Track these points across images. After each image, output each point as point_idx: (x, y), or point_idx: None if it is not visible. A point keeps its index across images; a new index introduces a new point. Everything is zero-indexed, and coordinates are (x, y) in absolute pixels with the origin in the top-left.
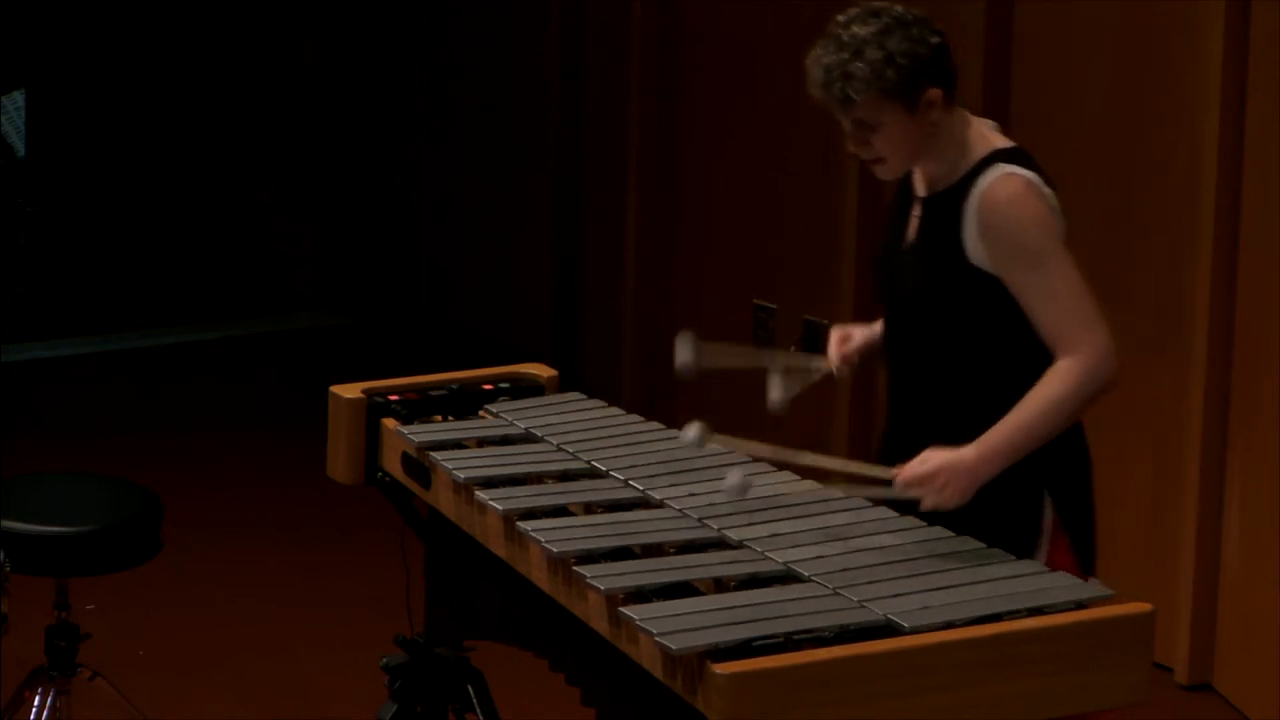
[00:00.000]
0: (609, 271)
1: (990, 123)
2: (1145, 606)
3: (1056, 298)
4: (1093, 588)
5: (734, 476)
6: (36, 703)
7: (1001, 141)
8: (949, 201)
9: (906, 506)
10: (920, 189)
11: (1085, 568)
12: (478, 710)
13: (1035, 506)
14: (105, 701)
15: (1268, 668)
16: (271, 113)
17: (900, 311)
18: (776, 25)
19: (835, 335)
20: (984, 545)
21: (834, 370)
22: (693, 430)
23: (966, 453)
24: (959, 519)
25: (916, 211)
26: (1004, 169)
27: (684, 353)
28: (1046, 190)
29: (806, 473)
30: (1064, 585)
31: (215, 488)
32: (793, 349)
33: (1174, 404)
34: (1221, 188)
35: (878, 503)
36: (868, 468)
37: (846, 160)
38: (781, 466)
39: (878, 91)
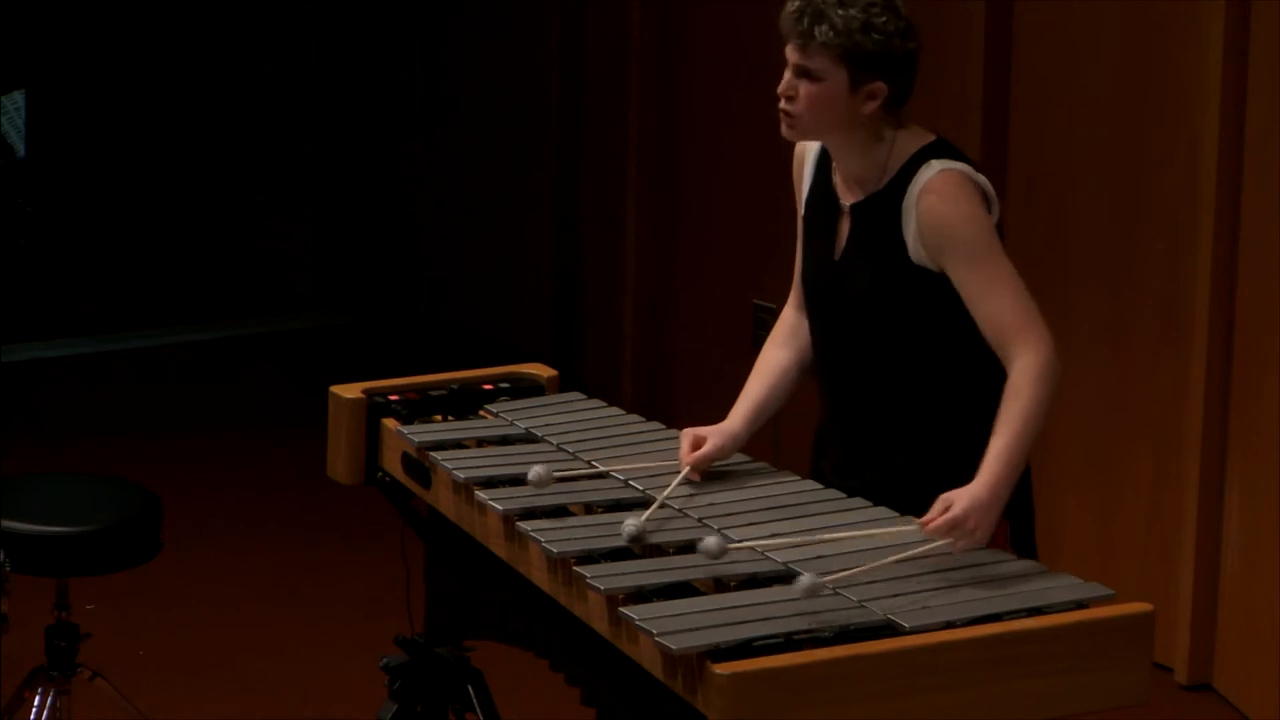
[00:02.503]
0: (609, 271)
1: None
2: (1145, 606)
3: (1000, 291)
4: (1093, 588)
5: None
6: (36, 703)
7: (923, 136)
8: (883, 204)
9: (910, 504)
10: (845, 197)
11: (1025, 552)
12: (478, 710)
13: None
14: (105, 701)
15: (1268, 668)
16: (271, 113)
17: (839, 321)
18: (776, 25)
19: (686, 440)
20: (984, 545)
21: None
22: (712, 541)
23: (979, 489)
24: (915, 509)
25: (846, 220)
26: (937, 165)
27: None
28: (980, 179)
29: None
30: (1064, 585)
31: (215, 488)
32: None
33: (1174, 404)
34: (1221, 187)
35: (877, 503)
36: (890, 528)
37: None
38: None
39: (839, 47)
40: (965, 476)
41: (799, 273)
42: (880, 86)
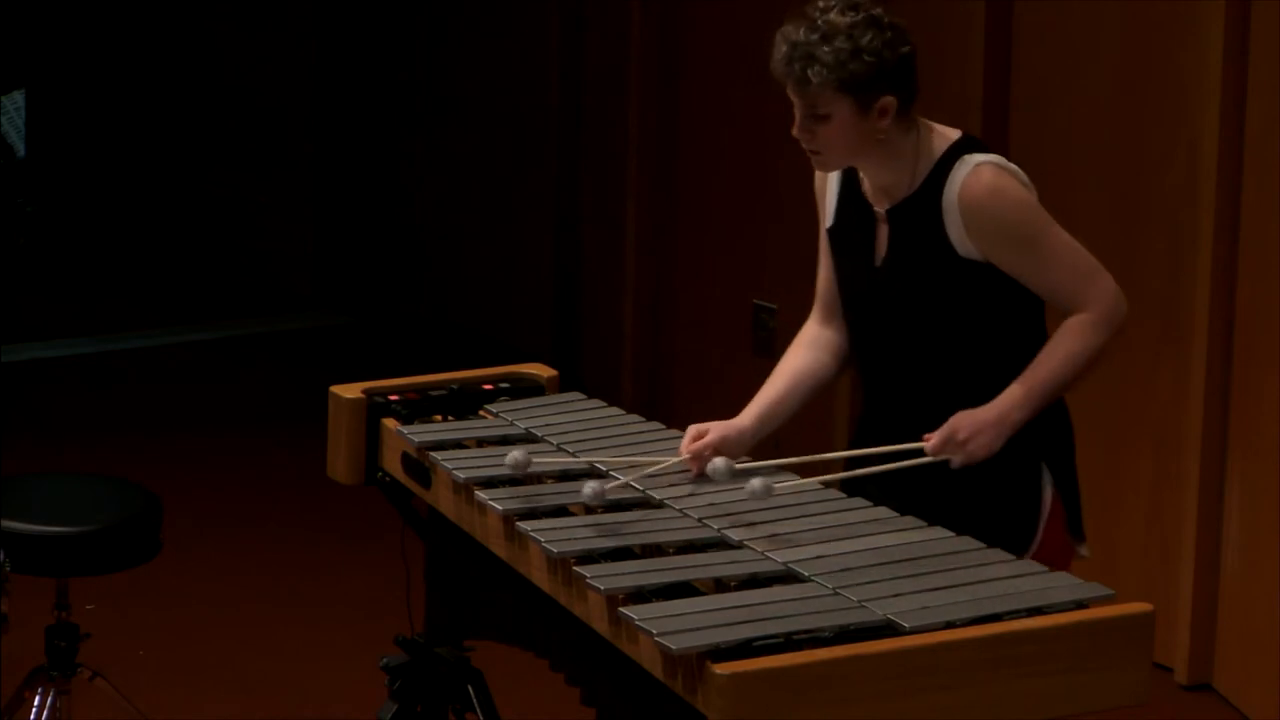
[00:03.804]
0: (609, 271)
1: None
2: (1145, 606)
3: (1055, 266)
4: (1093, 588)
5: (756, 481)
6: (36, 703)
7: (949, 132)
8: (919, 206)
9: (910, 504)
10: (879, 204)
11: (1076, 533)
12: (478, 710)
13: (1035, 479)
14: (105, 701)
15: (1268, 668)
16: (271, 113)
17: (887, 325)
18: (777, 26)
19: (690, 432)
20: (984, 545)
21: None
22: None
23: (984, 410)
24: (965, 496)
25: (883, 227)
26: (969, 160)
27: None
28: (1013, 166)
29: (837, 469)
30: (1064, 585)
31: (215, 488)
32: None
33: (1174, 404)
34: (1221, 187)
35: (877, 503)
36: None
37: None
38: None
39: (835, 81)
40: (1009, 452)
41: (825, 287)
42: (889, 100)
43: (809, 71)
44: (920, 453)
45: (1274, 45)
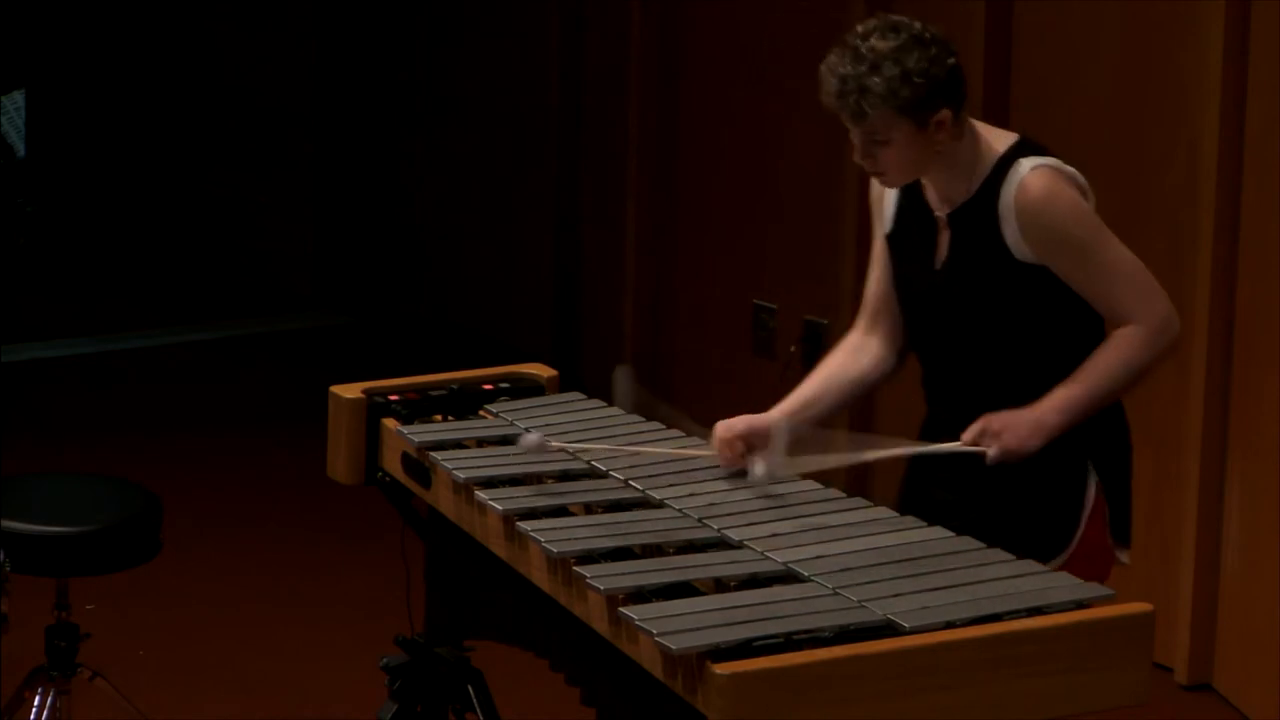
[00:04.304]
0: (609, 271)
1: (987, 125)
2: (1145, 606)
3: (1110, 277)
4: (1093, 588)
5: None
6: (36, 703)
7: (1005, 136)
8: (978, 209)
9: (958, 495)
10: (939, 208)
11: (1120, 538)
12: (478, 710)
13: (1080, 478)
14: (105, 701)
15: (1268, 668)
16: (271, 113)
17: (946, 328)
18: (777, 25)
19: (719, 427)
20: (984, 545)
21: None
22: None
23: (1027, 409)
24: (1005, 489)
25: (944, 231)
26: (1027, 163)
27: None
28: (1069, 169)
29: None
30: (1064, 585)
31: (215, 488)
32: (793, 349)
33: (1174, 404)
34: (1221, 187)
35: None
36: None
37: (847, 160)
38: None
39: (891, 108)
40: (1055, 449)
41: (874, 294)
42: (945, 114)
43: (864, 104)
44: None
45: (1274, 45)
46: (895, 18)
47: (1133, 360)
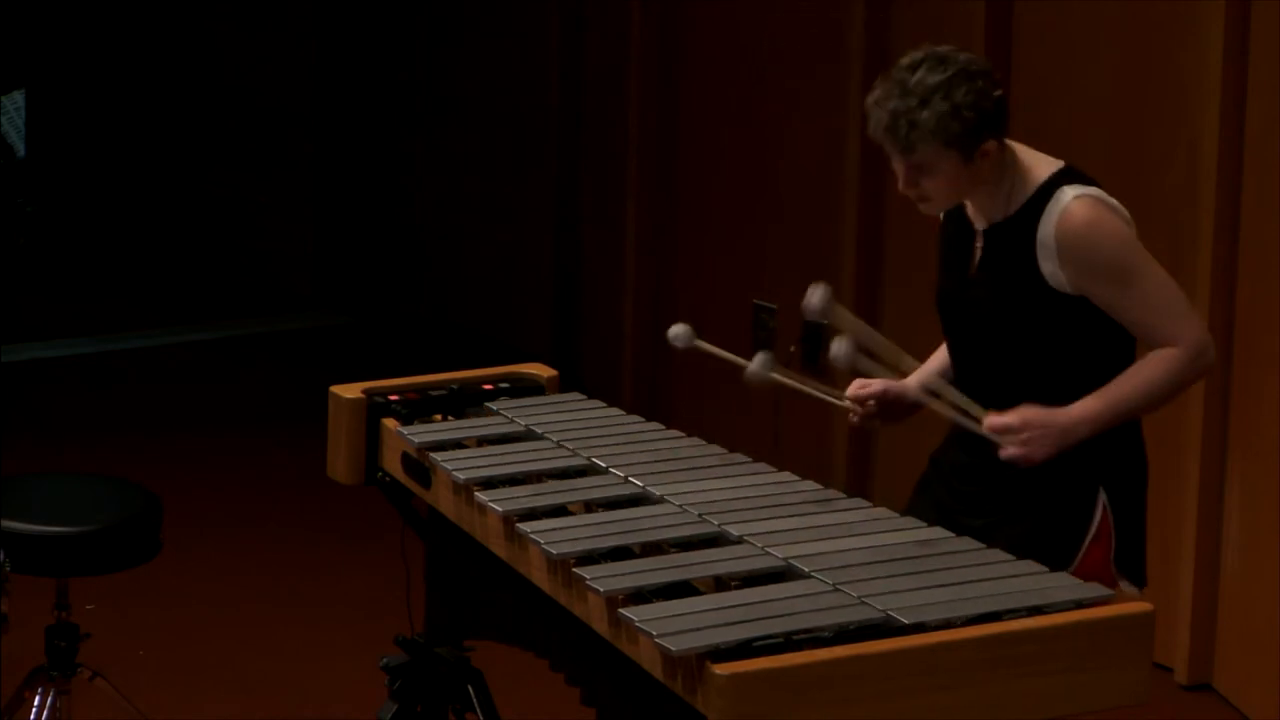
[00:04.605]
0: (609, 271)
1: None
2: (1145, 606)
3: (1148, 305)
4: (1092, 588)
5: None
6: (36, 703)
7: (1049, 162)
8: (1015, 231)
9: (966, 498)
10: (978, 222)
11: (1127, 569)
12: (478, 710)
13: (1089, 500)
14: (105, 701)
15: (1268, 668)
16: (271, 113)
17: (972, 333)
18: (777, 25)
19: (856, 382)
20: (983, 545)
21: (849, 413)
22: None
23: (1057, 413)
24: (1012, 501)
25: (979, 244)
26: (1070, 191)
27: (760, 365)
28: (1113, 201)
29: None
30: (1064, 585)
31: (215, 488)
32: (793, 349)
33: (1174, 404)
34: (1221, 187)
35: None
36: (964, 400)
37: (847, 160)
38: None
39: (941, 141)
40: (1067, 468)
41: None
42: (990, 144)
43: (914, 138)
44: (982, 421)
45: (1274, 45)
46: (941, 50)
47: (1169, 381)
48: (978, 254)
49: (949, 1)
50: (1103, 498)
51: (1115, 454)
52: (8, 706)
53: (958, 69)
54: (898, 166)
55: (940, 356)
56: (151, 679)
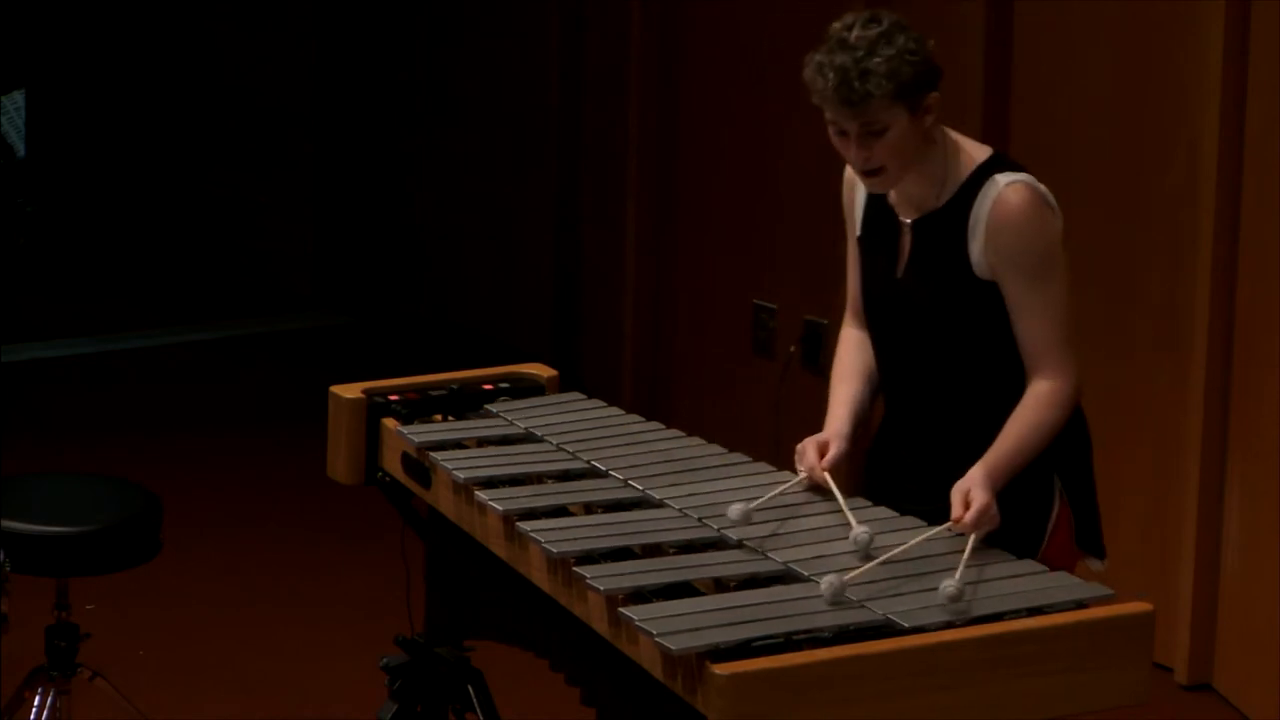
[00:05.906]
0: (609, 271)
1: (960, 137)
2: (1145, 606)
3: (1049, 314)
4: (1093, 588)
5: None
6: (36, 703)
7: (980, 148)
8: (947, 219)
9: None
10: (905, 215)
11: (1087, 544)
12: (478, 710)
13: (1047, 491)
14: (105, 701)
15: (1268, 668)
16: (271, 113)
17: (903, 335)
18: (777, 25)
19: (811, 448)
20: (983, 545)
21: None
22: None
23: (987, 480)
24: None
25: (907, 237)
26: (1006, 178)
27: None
28: (1046, 190)
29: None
30: (1064, 585)
31: (215, 488)
32: (793, 349)
33: (1174, 404)
34: (1221, 187)
35: (878, 502)
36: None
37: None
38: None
39: (893, 89)
40: (1029, 479)
41: (855, 294)
42: (934, 97)
43: (869, 87)
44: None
45: (1274, 45)
46: (869, 11)
47: (1052, 424)
48: (905, 250)
49: (949, 1)
50: (1058, 485)
51: (1063, 436)
52: (8, 706)
53: (891, 21)
54: (848, 134)
55: (849, 387)
56: (151, 679)
